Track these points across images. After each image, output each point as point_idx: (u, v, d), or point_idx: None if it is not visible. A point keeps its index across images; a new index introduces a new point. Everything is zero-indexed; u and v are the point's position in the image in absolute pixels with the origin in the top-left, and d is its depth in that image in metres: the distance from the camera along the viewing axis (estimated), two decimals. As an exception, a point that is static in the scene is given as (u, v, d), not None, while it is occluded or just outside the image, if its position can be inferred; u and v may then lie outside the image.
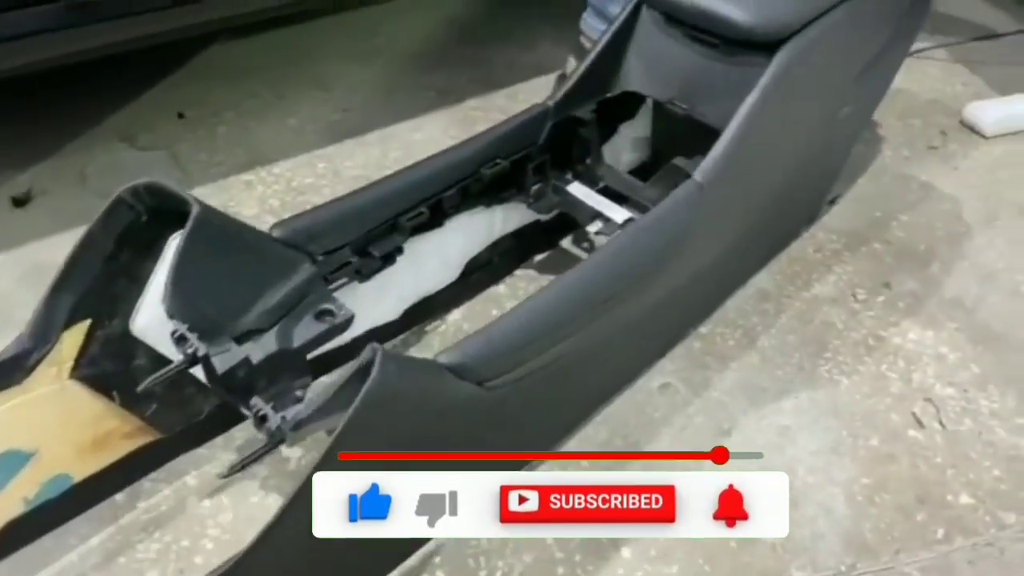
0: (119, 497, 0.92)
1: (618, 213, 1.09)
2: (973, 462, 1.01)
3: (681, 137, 1.17)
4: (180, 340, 0.76)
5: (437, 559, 0.88)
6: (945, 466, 1.00)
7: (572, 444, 1.00)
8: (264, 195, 1.40)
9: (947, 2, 2.12)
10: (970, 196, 1.45)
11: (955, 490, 0.98)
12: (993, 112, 1.62)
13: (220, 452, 0.97)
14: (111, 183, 0.82)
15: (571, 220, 1.27)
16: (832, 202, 1.42)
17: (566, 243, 1.30)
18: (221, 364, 0.76)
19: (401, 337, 1.13)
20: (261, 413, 0.72)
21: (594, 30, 1.56)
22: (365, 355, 0.64)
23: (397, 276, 1.03)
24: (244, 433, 0.98)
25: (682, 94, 1.10)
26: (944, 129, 1.61)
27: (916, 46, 1.82)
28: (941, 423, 1.06)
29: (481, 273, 1.19)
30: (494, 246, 1.19)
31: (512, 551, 0.90)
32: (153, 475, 0.94)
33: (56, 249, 1.24)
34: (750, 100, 0.98)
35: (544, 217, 1.23)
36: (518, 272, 1.25)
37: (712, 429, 1.04)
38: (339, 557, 0.71)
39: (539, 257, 1.28)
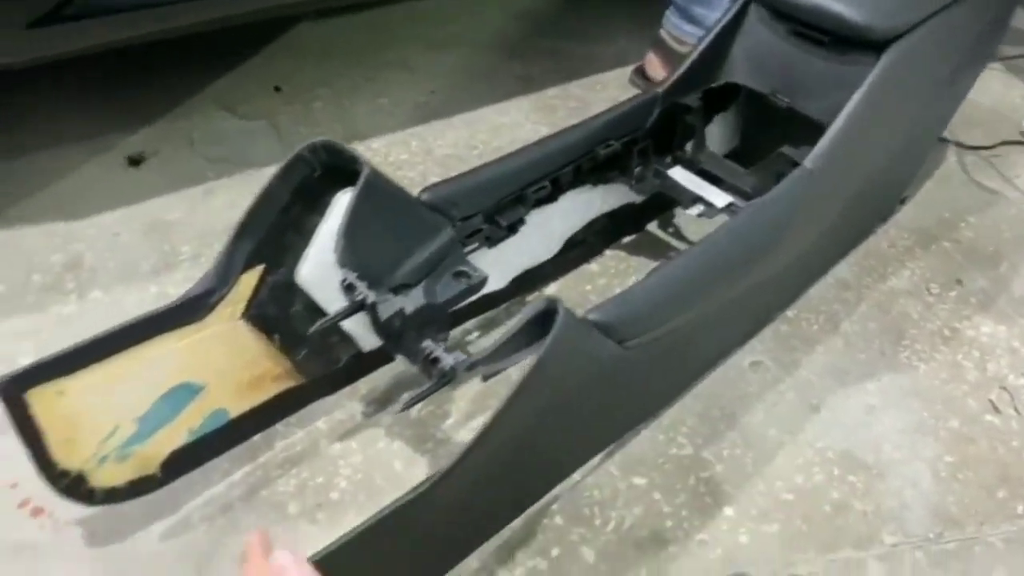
0: (256, 438, 0.98)
1: (719, 197, 1.15)
2: (1048, 448, 1.07)
3: (772, 129, 1.24)
4: (349, 288, 0.82)
5: (555, 505, 0.95)
6: (1022, 450, 1.07)
7: (672, 413, 1.07)
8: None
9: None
10: (1034, 203, 1.51)
11: (1033, 472, 1.04)
12: (1054, 124, 1.68)
13: (346, 401, 1.04)
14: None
15: (658, 205, 1.33)
16: (902, 201, 1.48)
17: (652, 227, 1.37)
18: (384, 311, 0.82)
19: (504, 306, 1.19)
20: (433, 355, 0.78)
21: (676, 28, 1.62)
22: (542, 304, 0.70)
23: (510, 247, 1.10)
24: (365, 385, 1.05)
25: (785, 87, 1.16)
26: (1005, 138, 1.67)
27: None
28: (1016, 410, 1.12)
29: (577, 251, 1.25)
30: (590, 226, 1.25)
31: (623, 503, 0.96)
32: (286, 419, 1.01)
33: (170, 207, 1.33)
34: (858, 95, 1.04)
35: (637, 200, 1.29)
36: (608, 252, 1.31)
37: (803, 406, 1.10)
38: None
39: (627, 239, 1.34)
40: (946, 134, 1.64)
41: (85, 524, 0.88)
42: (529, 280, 1.19)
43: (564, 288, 1.25)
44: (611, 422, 0.96)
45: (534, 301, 1.20)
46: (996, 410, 1.12)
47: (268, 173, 0.86)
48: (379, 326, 0.83)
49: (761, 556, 0.92)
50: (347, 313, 0.83)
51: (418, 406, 1.04)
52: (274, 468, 0.96)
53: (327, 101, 1.62)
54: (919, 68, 1.13)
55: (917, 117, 1.22)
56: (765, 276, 1.03)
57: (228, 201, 1.34)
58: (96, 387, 0.75)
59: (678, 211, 1.39)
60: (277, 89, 1.63)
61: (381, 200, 0.86)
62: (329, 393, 1.00)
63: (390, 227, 0.87)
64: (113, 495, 0.81)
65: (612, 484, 0.98)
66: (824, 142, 1.04)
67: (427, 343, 0.80)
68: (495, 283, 1.13)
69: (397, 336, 0.86)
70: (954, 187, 1.54)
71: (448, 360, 0.77)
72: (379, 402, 1.05)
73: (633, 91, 1.73)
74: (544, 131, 1.51)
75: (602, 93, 1.74)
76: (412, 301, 0.87)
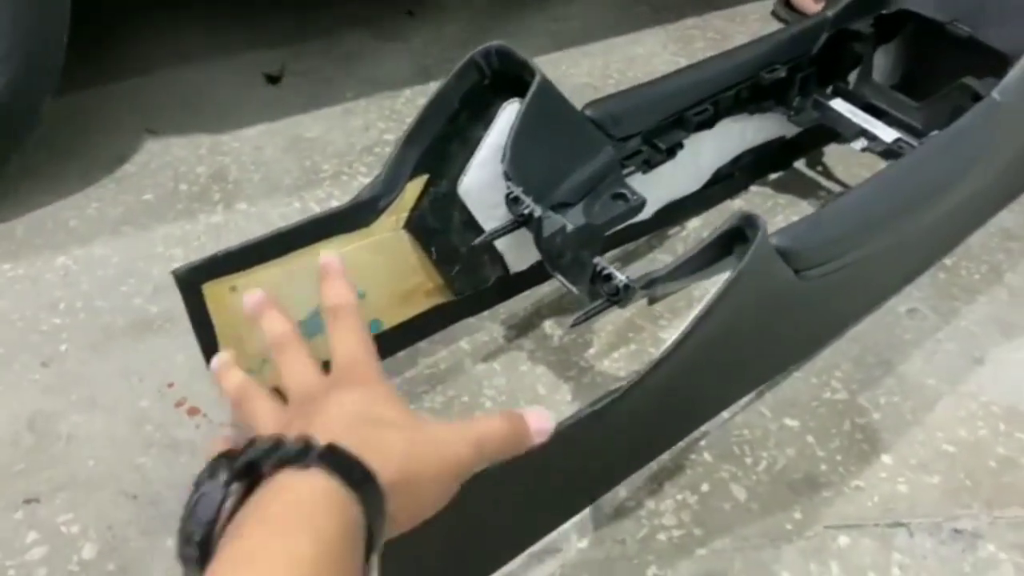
0: (400, 354, 0.98)
1: (886, 132, 1.08)
2: None
3: (945, 61, 1.15)
4: (514, 201, 0.80)
5: (703, 442, 0.92)
6: None
7: (825, 356, 1.02)
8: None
9: None
10: None
11: None
12: None
13: (488, 323, 1.03)
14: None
15: (807, 142, 1.27)
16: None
17: (799, 166, 1.30)
18: (548, 227, 0.80)
19: (646, 238, 1.15)
20: (606, 272, 0.76)
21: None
22: (735, 219, 0.66)
23: (662, 175, 1.05)
24: (506, 308, 1.04)
25: (966, 16, 1.07)
26: None
27: None
28: None
29: (722, 185, 1.20)
30: (737, 159, 1.19)
31: (775, 444, 0.92)
32: (432, 337, 1.00)
33: (311, 124, 1.32)
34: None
35: (788, 135, 1.23)
36: (753, 188, 1.26)
37: (964, 356, 1.03)
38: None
39: (773, 176, 1.28)
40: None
41: (238, 425, 0.89)
42: (671, 212, 1.15)
43: (707, 223, 1.20)
44: (775, 355, 0.92)
45: (679, 234, 1.17)
46: None
47: (405, 95, 0.84)
48: (541, 242, 0.81)
49: (921, 506, 0.88)
50: (513, 226, 0.81)
51: (559, 332, 1.03)
52: (420, 384, 0.96)
53: (460, 26, 1.59)
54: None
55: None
56: (939, 212, 0.97)
57: (365, 123, 1.33)
58: (267, 286, 0.74)
59: (827, 150, 1.32)
60: (409, 13, 1.61)
61: (550, 112, 0.83)
62: (475, 313, 0.99)
63: (555, 142, 0.84)
64: (270, 397, 0.81)
65: (763, 425, 0.94)
66: (1015, 72, 0.95)
67: (598, 260, 0.77)
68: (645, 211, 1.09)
69: (557, 254, 0.83)
70: None
71: (621, 277, 0.74)
72: (519, 327, 1.03)
73: (775, 24, 1.66)
74: (682, 62, 1.46)
75: (742, 26, 1.66)
76: (573, 219, 0.84)
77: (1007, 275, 1.15)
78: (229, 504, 0.38)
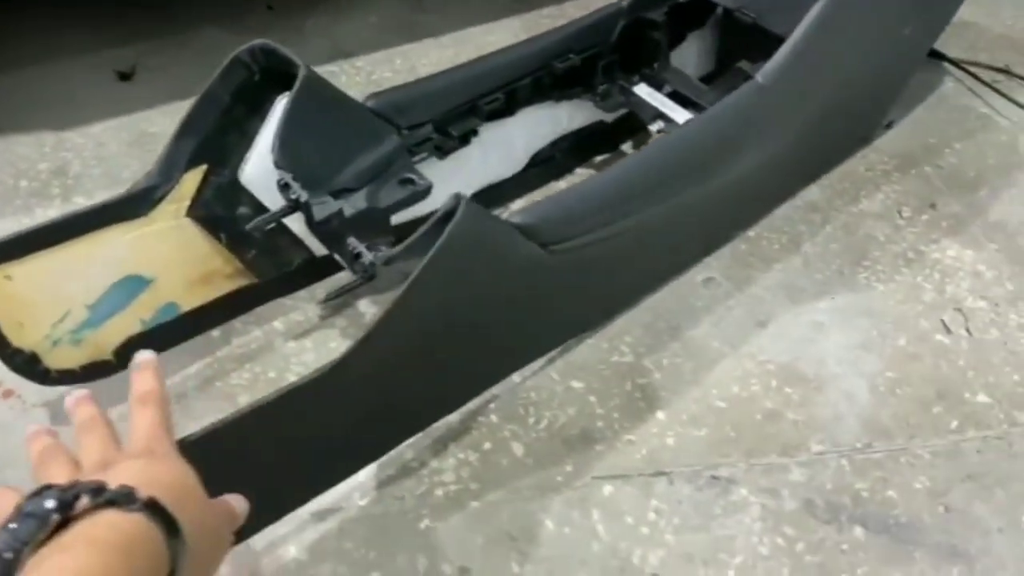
0: (215, 333, 1.04)
1: (680, 114, 1.16)
2: (994, 367, 1.08)
3: (747, 46, 1.23)
4: (284, 187, 0.86)
5: (492, 404, 0.99)
6: (967, 368, 1.08)
7: (618, 323, 1.10)
8: (346, 85, 1.47)
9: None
10: (1027, 130, 1.48)
11: (974, 390, 1.05)
12: (1062, 49, 1.63)
13: (304, 303, 1.09)
14: (206, 63, 0.92)
15: (633, 125, 1.34)
16: (888, 126, 1.46)
17: (626, 147, 1.38)
18: (319, 212, 0.86)
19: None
20: (356, 251, 0.82)
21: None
22: (450, 201, 0.73)
23: (468, 161, 1.12)
24: (325, 288, 1.10)
25: (752, 3, 1.15)
26: (1009, 64, 1.63)
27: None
28: (968, 331, 1.12)
29: (543, 168, 1.27)
30: (557, 143, 1.26)
31: (558, 404, 1.00)
32: (244, 318, 1.06)
33: (159, 119, 1.37)
34: (816, 8, 1.04)
35: (609, 118, 1.30)
36: (579, 170, 1.33)
37: (750, 320, 1.12)
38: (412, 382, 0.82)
39: (600, 158, 1.35)
40: (947, 56, 1.61)
41: (50, 406, 0.95)
42: (492, 195, 1.22)
43: (530, 204, 1.27)
44: (544, 328, 0.99)
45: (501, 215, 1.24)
46: (947, 330, 1.13)
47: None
48: (314, 225, 0.87)
49: (685, 457, 0.96)
50: (282, 212, 0.87)
51: (372, 310, 1.09)
52: (229, 362, 1.02)
53: (319, 19, 1.65)
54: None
55: (889, 32, 1.20)
56: (714, 190, 1.05)
57: (212, 115, 1.38)
58: (44, 273, 0.81)
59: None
60: (269, 7, 1.66)
61: (321, 104, 0.89)
62: (284, 294, 1.05)
63: (331, 131, 0.90)
64: (68, 376, 0.87)
65: (550, 387, 1.02)
66: (778, 56, 1.04)
67: (351, 239, 0.84)
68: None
69: (335, 237, 0.89)
70: (946, 112, 1.52)
71: (369, 256, 0.81)
72: (335, 306, 1.09)
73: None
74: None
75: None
76: (352, 204, 0.91)
77: (805, 244, 1.24)
78: (47, 529, 0.43)
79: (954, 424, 1.01)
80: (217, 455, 0.62)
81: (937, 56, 1.60)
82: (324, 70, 1.51)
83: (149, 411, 0.58)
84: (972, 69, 1.60)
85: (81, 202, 1.21)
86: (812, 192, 1.33)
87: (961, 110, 1.52)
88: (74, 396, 0.61)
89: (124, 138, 1.33)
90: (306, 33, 1.61)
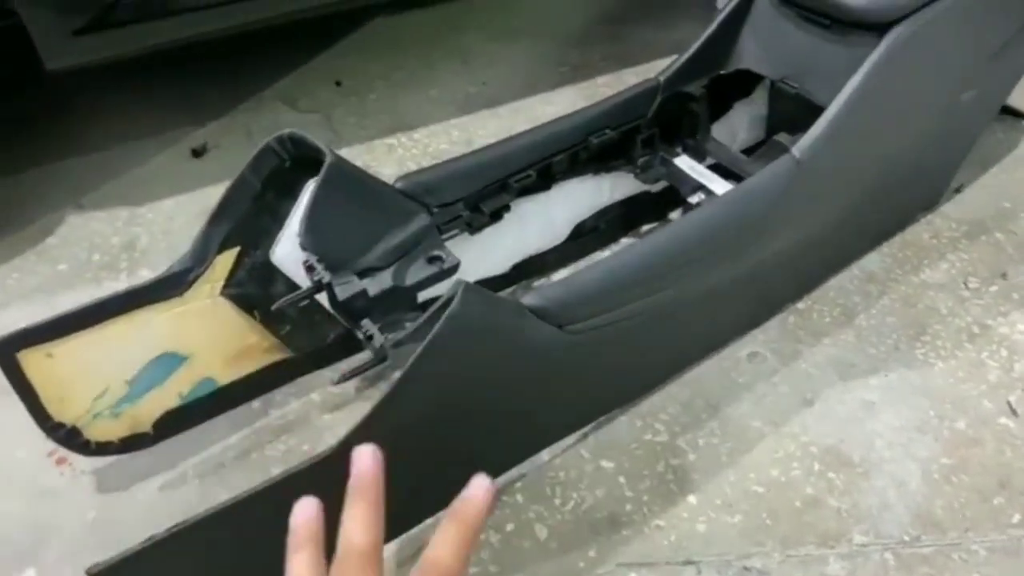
0: (255, 404, 1.08)
1: (720, 186, 1.14)
2: (1065, 455, 1.00)
3: (795, 116, 1.21)
4: (310, 269, 0.89)
5: (519, 484, 0.98)
6: (1034, 455, 1.00)
7: (654, 400, 1.07)
8: (403, 157, 1.54)
9: None
10: (1113, 192, 1.38)
11: (1040, 479, 0.98)
12: None
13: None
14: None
15: (681, 197, 1.33)
16: (958, 190, 1.39)
17: (674, 215, 1.36)
18: (342, 292, 0.89)
19: (508, 291, 1.23)
20: (369, 333, 0.84)
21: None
22: (451, 288, 0.74)
23: (506, 234, 1.13)
24: (363, 358, 1.12)
25: (794, 73, 1.13)
26: (1097, 121, 1.53)
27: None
28: (1037, 414, 1.05)
29: (588, 237, 1.27)
30: (602, 213, 1.26)
31: (587, 485, 0.98)
32: (284, 389, 1.09)
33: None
34: (855, 80, 1.01)
35: (653, 188, 1.29)
36: (624, 240, 1.32)
37: (794, 398, 1.08)
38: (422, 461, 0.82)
39: (646, 227, 1.34)
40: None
41: (98, 474, 1.00)
42: (535, 266, 1.22)
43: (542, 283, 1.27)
44: (570, 406, 0.98)
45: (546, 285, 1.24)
46: (1013, 412, 1.05)
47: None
48: (337, 305, 0.90)
49: (716, 545, 0.92)
50: (308, 293, 0.90)
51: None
52: (266, 433, 1.05)
53: (381, 93, 1.71)
54: (938, 47, 1.07)
55: (947, 98, 1.16)
56: (751, 265, 1.02)
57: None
58: (84, 352, 0.86)
59: (705, 199, 1.38)
60: (338, 84, 1.73)
61: (348, 187, 0.92)
62: (320, 367, 1.08)
63: (358, 213, 0.93)
64: (108, 448, 0.92)
65: (579, 466, 1.00)
66: (815, 130, 1.01)
67: (366, 321, 0.85)
68: (495, 268, 1.17)
69: (359, 316, 0.92)
70: (1021, 175, 1.44)
71: (380, 339, 0.82)
72: (371, 378, 1.11)
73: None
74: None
75: (654, 81, 1.73)
76: (378, 283, 0.93)
77: (859, 317, 1.19)
78: None
79: (1016, 518, 0.94)
80: (214, 545, 0.64)
81: (1013, 113, 1.53)
82: (384, 143, 1.58)
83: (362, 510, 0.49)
84: (1054, 127, 1.52)
85: (146, 275, 1.28)
86: (871, 261, 1.27)
87: (1040, 172, 1.44)
88: (301, 507, 0.51)
89: (192, 212, 1.41)
90: (369, 107, 1.67)
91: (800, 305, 1.20)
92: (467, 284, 0.73)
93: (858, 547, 0.92)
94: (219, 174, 1.49)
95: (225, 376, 0.98)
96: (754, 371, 1.11)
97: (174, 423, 0.96)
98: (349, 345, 1.07)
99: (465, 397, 0.80)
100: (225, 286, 0.94)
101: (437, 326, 0.71)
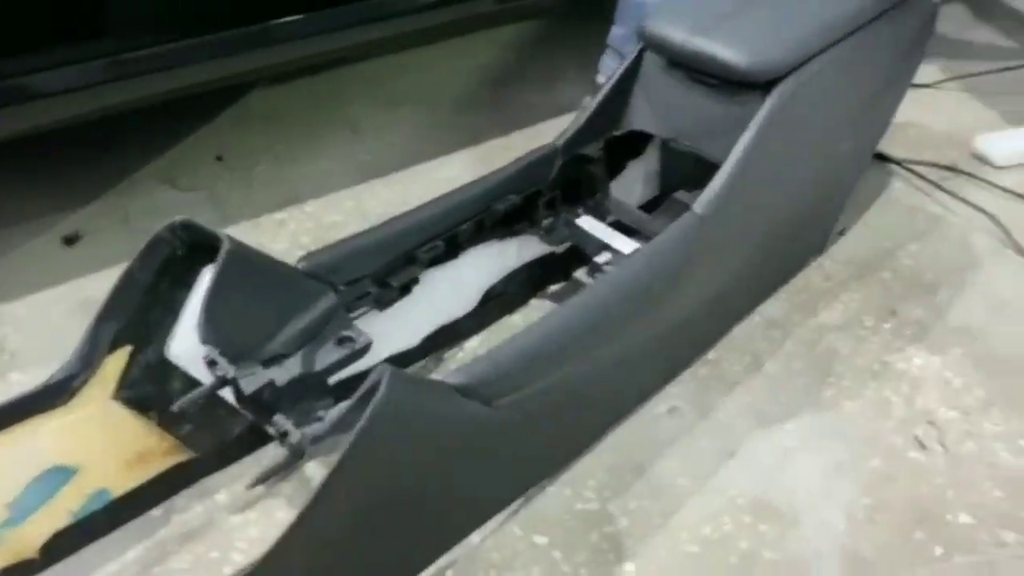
0: (155, 513, 0.99)
1: (625, 244, 1.15)
2: (974, 483, 1.03)
3: (688, 173, 1.24)
4: (211, 364, 0.83)
5: (449, 572, 0.93)
6: (946, 487, 1.03)
7: (581, 465, 1.05)
8: (295, 232, 1.48)
9: (961, 33, 2.17)
10: (979, 227, 1.48)
11: (955, 510, 1.00)
12: (1004, 144, 1.65)
13: (248, 470, 1.04)
14: (153, 222, 0.91)
15: (586, 255, 1.33)
16: (841, 233, 1.46)
17: (580, 274, 1.36)
18: (248, 385, 0.83)
19: (421, 363, 1.19)
20: (283, 430, 0.79)
21: (610, 70, 1.63)
22: (374, 375, 0.70)
23: (415, 306, 1.10)
24: (272, 454, 1.05)
25: (686, 132, 1.16)
26: (954, 161, 1.65)
27: (930, 78, 1.88)
28: (943, 445, 1.08)
29: (498, 301, 1.25)
30: (510, 278, 1.25)
31: (522, 564, 0.94)
32: (186, 492, 1.01)
33: (102, 284, 1.33)
34: (746, 136, 1.04)
35: (558, 250, 1.29)
36: (533, 302, 1.31)
37: (717, 451, 1.08)
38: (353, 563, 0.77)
39: (554, 288, 1.34)
40: (893, 158, 1.63)
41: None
42: (446, 336, 1.19)
43: (487, 340, 1.24)
44: (500, 482, 0.95)
45: (456, 355, 1.21)
46: (922, 446, 1.09)
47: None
48: (244, 400, 0.84)
49: (658, 614, 0.90)
50: (210, 389, 0.84)
51: (321, 473, 1.04)
52: (170, 543, 0.96)
53: (268, 166, 1.65)
54: (817, 101, 1.13)
55: (828, 149, 1.21)
56: (664, 323, 1.02)
57: (158, 274, 1.36)
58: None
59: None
60: (219, 158, 1.67)
61: (247, 272, 0.87)
62: (224, 466, 1.00)
63: (260, 299, 0.88)
64: (-12, 581, 0.81)
65: (512, 544, 0.96)
66: (713, 185, 1.03)
67: (278, 417, 0.80)
68: (406, 342, 1.13)
69: (270, 409, 0.86)
70: (897, 214, 1.52)
71: (296, 435, 0.77)
72: (282, 473, 1.04)
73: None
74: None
75: (542, 141, 1.75)
76: (285, 371, 0.88)
77: (767, 364, 1.21)
78: None
79: (939, 551, 0.96)
80: None
81: (883, 158, 1.62)
82: (273, 218, 1.52)
83: None
84: (918, 169, 1.62)
85: (18, 378, 1.17)
86: (771, 307, 1.31)
87: (911, 211, 1.53)
88: None
89: (68, 306, 1.30)
90: (255, 182, 1.61)
91: (710, 356, 1.22)
92: (392, 370, 0.70)
93: (797, 598, 0.92)
94: (96, 263, 1.39)
95: (121, 485, 0.89)
96: (674, 426, 1.11)
97: (65, 544, 0.86)
98: (255, 438, 1.00)
99: (396, 486, 0.76)
100: (117, 389, 0.86)
101: (365, 416, 0.67)
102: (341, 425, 0.72)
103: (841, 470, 1.05)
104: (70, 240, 1.43)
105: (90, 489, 0.87)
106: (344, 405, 0.72)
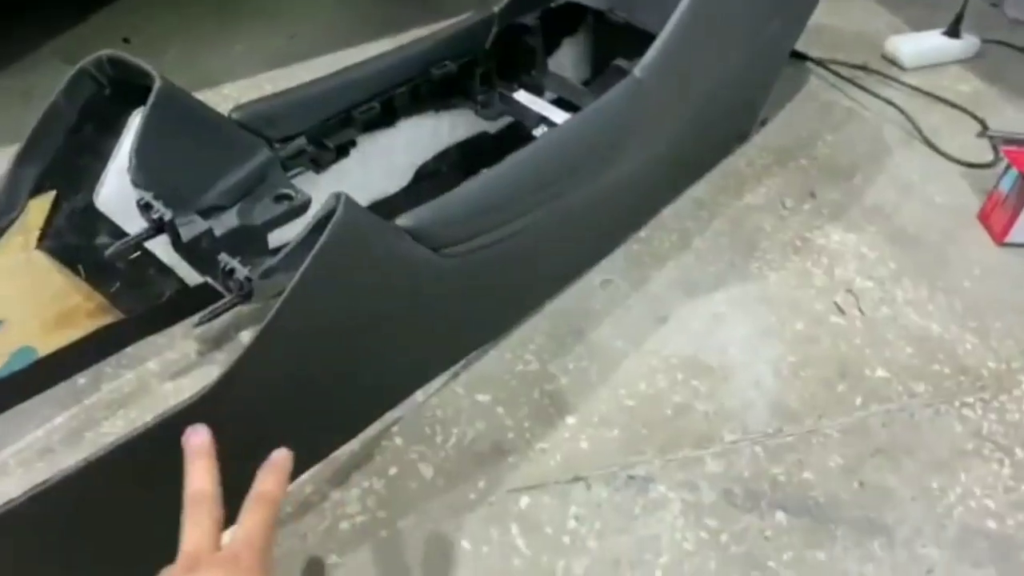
0: (81, 380, 0.95)
1: (562, 118, 1.14)
2: (889, 342, 1.10)
3: (622, 47, 1.23)
4: (146, 207, 0.79)
5: (395, 428, 0.94)
6: (863, 346, 1.09)
7: (520, 332, 1.06)
8: (213, 114, 1.41)
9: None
10: (890, 120, 1.54)
11: (872, 366, 1.06)
12: (911, 45, 1.72)
13: (179, 341, 1.01)
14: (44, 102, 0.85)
15: (519, 136, 1.32)
16: (763, 123, 1.50)
17: (512, 158, 1.35)
18: (186, 232, 0.79)
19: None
20: (229, 267, 0.76)
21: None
22: (329, 201, 0.68)
23: (349, 175, 1.07)
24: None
25: (622, 3, 1.15)
26: (866, 61, 1.70)
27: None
28: (860, 310, 1.14)
29: (430, 182, 1.23)
30: (442, 156, 1.23)
31: (466, 419, 0.95)
32: (114, 361, 0.97)
33: (5, 162, 1.26)
34: (683, 4, 1.04)
35: (492, 128, 1.27)
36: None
37: (650, 318, 1.10)
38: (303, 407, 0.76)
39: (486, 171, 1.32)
40: (809, 56, 1.67)
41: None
42: (379, 211, 1.16)
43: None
44: (443, 339, 0.95)
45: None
46: (841, 311, 1.14)
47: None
48: (181, 247, 0.80)
49: (600, 459, 0.93)
50: (145, 235, 0.80)
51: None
52: (100, 410, 0.93)
53: (179, 50, 1.57)
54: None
55: (756, 26, 1.23)
56: (602, 189, 1.03)
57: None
58: None
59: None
60: (126, 40, 1.57)
61: (181, 117, 0.82)
62: (156, 330, 0.97)
63: (194, 146, 0.84)
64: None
65: (455, 402, 0.97)
66: (652, 50, 1.03)
67: (223, 255, 0.77)
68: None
69: (206, 259, 0.82)
70: (814, 108, 1.57)
71: (243, 271, 0.75)
72: (215, 340, 1.01)
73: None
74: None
75: (469, 33, 1.71)
76: (223, 223, 0.84)
77: (695, 240, 1.24)
78: None
79: (858, 401, 1.02)
80: (79, 502, 0.55)
81: (800, 56, 1.66)
82: (189, 100, 1.45)
83: (260, 515, 0.55)
84: (833, 67, 1.67)
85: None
86: (698, 190, 1.34)
87: (827, 105, 1.58)
88: (195, 445, 0.57)
89: (-34, 182, 1.21)
90: (166, 65, 1.51)
91: (642, 234, 1.24)
92: (347, 196, 0.68)
93: (729, 444, 0.96)
94: (-4, 139, 1.30)
95: (46, 344, 0.85)
96: (609, 297, 1.13)
97: (-13, 403, 0.82)
98: (185, 303, 0.97)
99: (344, 323, 0.74)
100: (41, 237, 0.81)
101: (324, 235, 0.65)
102: (293, 257, 0.69)
103: (768, 333, 1.10)
104: (-38, 117, 1.32)
105: (14, 346, 0.82)
106: (295, 239, 0.70)
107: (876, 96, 1.59)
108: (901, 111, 1.54)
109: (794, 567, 0.84)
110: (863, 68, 1.68)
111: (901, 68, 1.70)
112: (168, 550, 0.51)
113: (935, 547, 0.87)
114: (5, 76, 1.43)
